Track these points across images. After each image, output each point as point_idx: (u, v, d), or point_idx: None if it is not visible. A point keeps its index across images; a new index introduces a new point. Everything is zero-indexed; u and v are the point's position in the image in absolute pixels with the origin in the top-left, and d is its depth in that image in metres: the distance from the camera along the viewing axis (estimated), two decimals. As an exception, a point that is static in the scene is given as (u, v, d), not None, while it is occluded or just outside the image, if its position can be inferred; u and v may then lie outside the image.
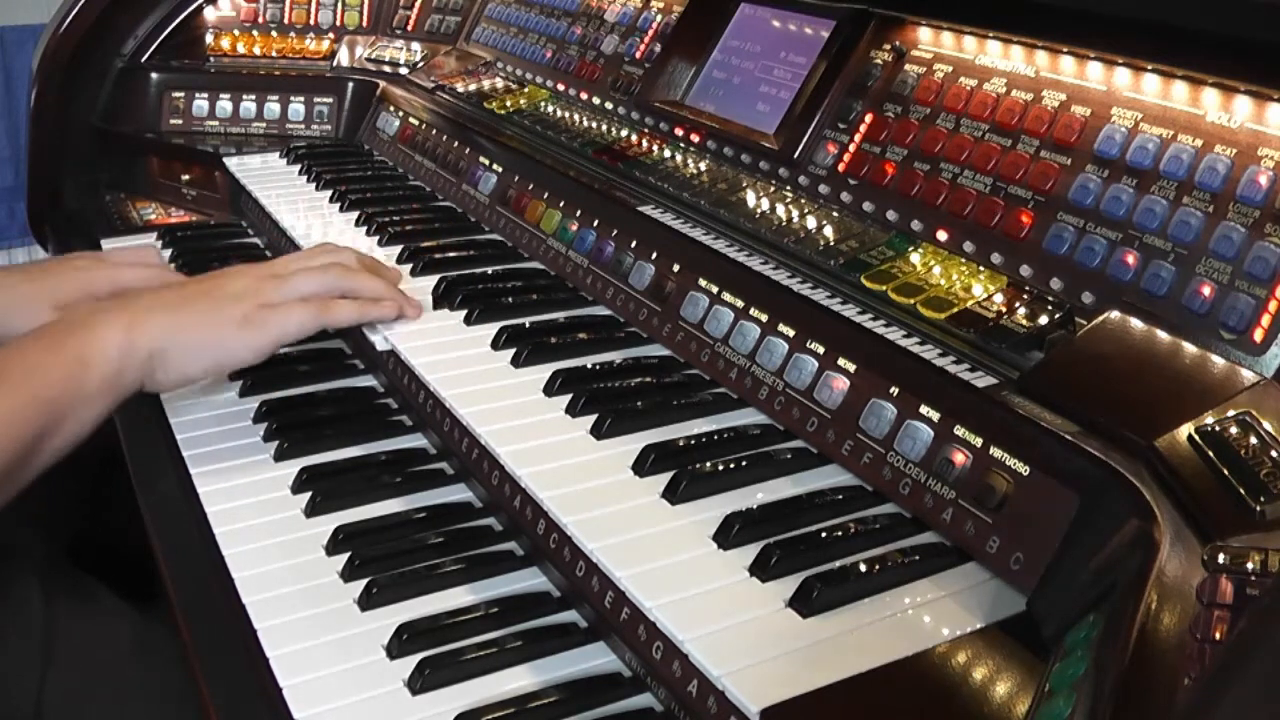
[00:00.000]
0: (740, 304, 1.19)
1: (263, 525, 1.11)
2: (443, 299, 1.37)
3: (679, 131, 1.52)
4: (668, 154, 1.49)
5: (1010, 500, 0.90)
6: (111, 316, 1.15)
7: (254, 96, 2.09)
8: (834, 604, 0.87)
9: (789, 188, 1.34)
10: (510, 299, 1.37)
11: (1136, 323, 0.97)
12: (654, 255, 1.31)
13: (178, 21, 2.13)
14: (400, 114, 1.98)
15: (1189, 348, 0.94)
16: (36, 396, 1.07)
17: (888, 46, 1.31)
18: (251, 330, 1.20)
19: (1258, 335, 0.92)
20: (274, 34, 2.20)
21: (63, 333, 1.14)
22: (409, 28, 2.21)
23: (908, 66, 1.28)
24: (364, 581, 1.01)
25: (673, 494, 1.00)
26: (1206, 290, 0.95)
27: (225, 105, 2.08)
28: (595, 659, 0.96)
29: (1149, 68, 1.06)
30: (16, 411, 1.06)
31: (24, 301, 1.29)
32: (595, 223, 1.42)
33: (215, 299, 1.21)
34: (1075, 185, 1.07)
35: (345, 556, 1.05)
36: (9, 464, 1.05)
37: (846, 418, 1.04)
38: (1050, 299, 1.04)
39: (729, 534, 0.94)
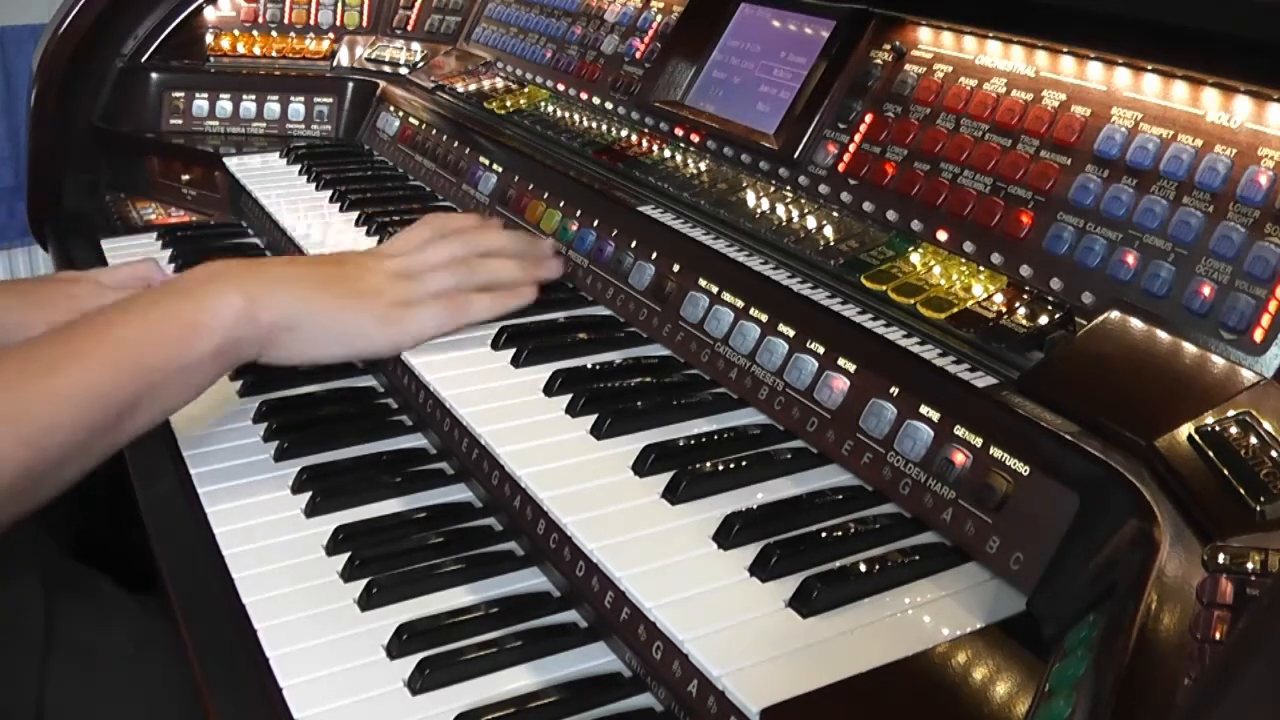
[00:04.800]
0: (740, 304, 1.19)
1: (263, 525, 1.11)
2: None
3: (679, 131, 1.52)
4: (668, 154, 1.49)
5: (1010, 500, 0.90)
6: (229, 283, 1.12)
7: (254, 96, 2.09)
8: (834, 604, 0.87)
9: (789, 188, 1.34)
10: (510, 299, 1.37)
11: (1136, 323, 0.97)
12: (654, 255, 1.31)
13: (178, 22, 2.13)
14: (400, 114, 1.98)
15: (1189, 348, 0.94)
16: (137, 363, 1.05)
17: (888, 46, 1.31)
18: (390, 327, 1.20)
19: (1258, 335, 0.92)
20: (274, 34, 2.20)
21: (174, 296, 1.11)
22: (409, 28, 2.21)
23: (908, 66, 1.28)
24: (364, 581, 1.01)
25: (673, 494, 1.00)
26: (1206, 290, 0.95)
27: (225, 105, 2.08)
28: (595, 659, 0.96)
29: (1149, 68, 1.06)
30: (112, 374, 1.03)
31: (17, 319, 1.28)
32: (595, 223, 1.42)
33: (351, 288, 1.19)
34: (1075, 185, 1.07)
35: (345, 556, 1.05)
36: (99, 427, 1.03)
37: (846, 418, 1.04)
38: (1050, 299, 1.04)
39: (729, 534, 0.94)
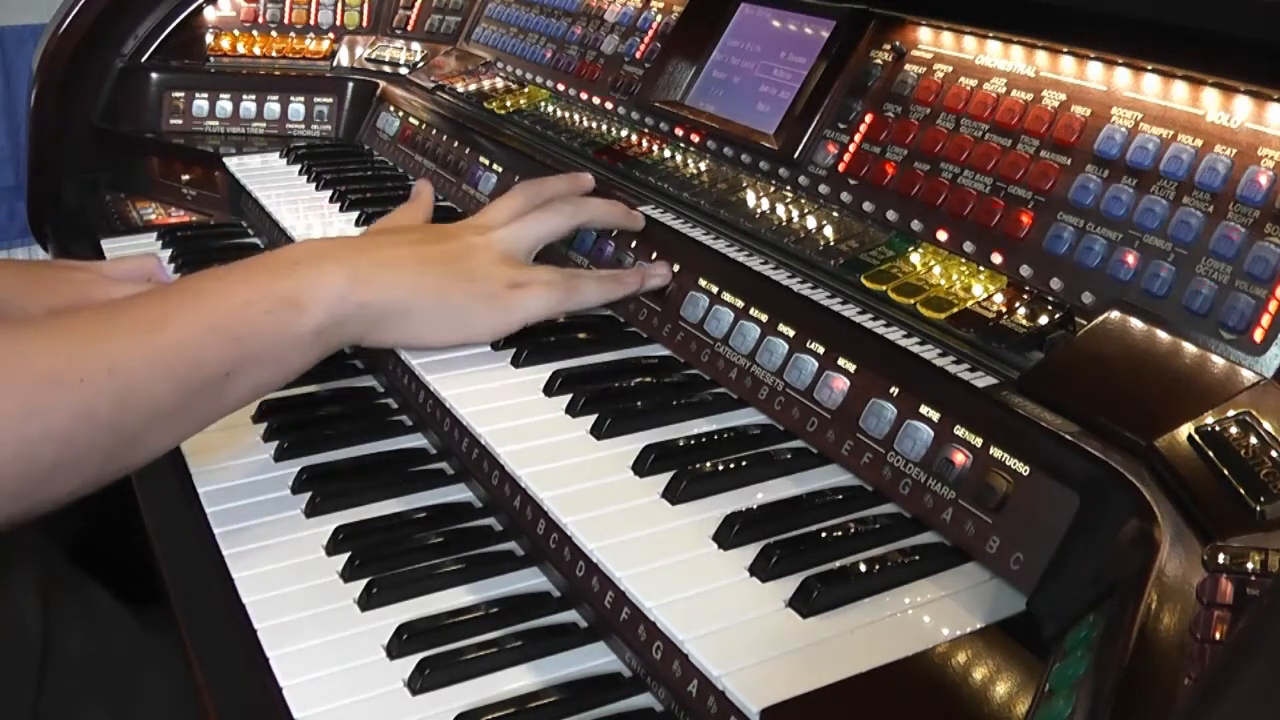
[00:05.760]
0: (740, 304, 1.19)
1: (262, 525, 1.11)
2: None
3: (679, 131, 1.52)
4: (668, 154, 1.49)
5: (1010, 500, 0.90)
6: (335, 260, 1.10)
7: (254, 96, 2.09)
8: (834, 604, 0.87)
9: (789, 188, 1.34)
10: (510, 299, 1.37)
11: (1136, 323, 0.97)
12: (654, 255, 1.31)
13: (178, 22, 2.13)
14: (400, 114, 1.98)
15: (1189, 348, 0.94)
16: (235, 331, 1.01)
17: (888, 46, 1.31)
18: (499, 309, 1.18)
19: (1258, 335, 0.92)
20: (274, 34, 2.20)
21: (273, 271, 1.07)
22: (409, 28, 2.21)
23: (908, 66, 1.28)
24: (364, 581, 1.01)
25: (673, 494, 1.00)
26: (1206, 290, 0.95)
27: (225, 105, 2.08)
28: (595, 659, 0.96)
29: (1149, 68, 1.07)
30: (205, 342, 1.00)
31: (19, 301, 1.28)
32: (595, 223, 1.42)
33: (461, 269, 1.17)
34: (1075, 185, 1.07)
35: (345, 556, 1.05)
36: (182, 398, 0.99)
37: (846, 418, 1.04)
38: (1050, 299, 1.04)
39: (729, 534, 0.94)
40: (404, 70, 2.10)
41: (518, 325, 1.20)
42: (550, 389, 1.17)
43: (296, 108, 2.09)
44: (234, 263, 1.10)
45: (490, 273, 1.19)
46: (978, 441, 0.94)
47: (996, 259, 1.11)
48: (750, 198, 1.34)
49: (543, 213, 1.30)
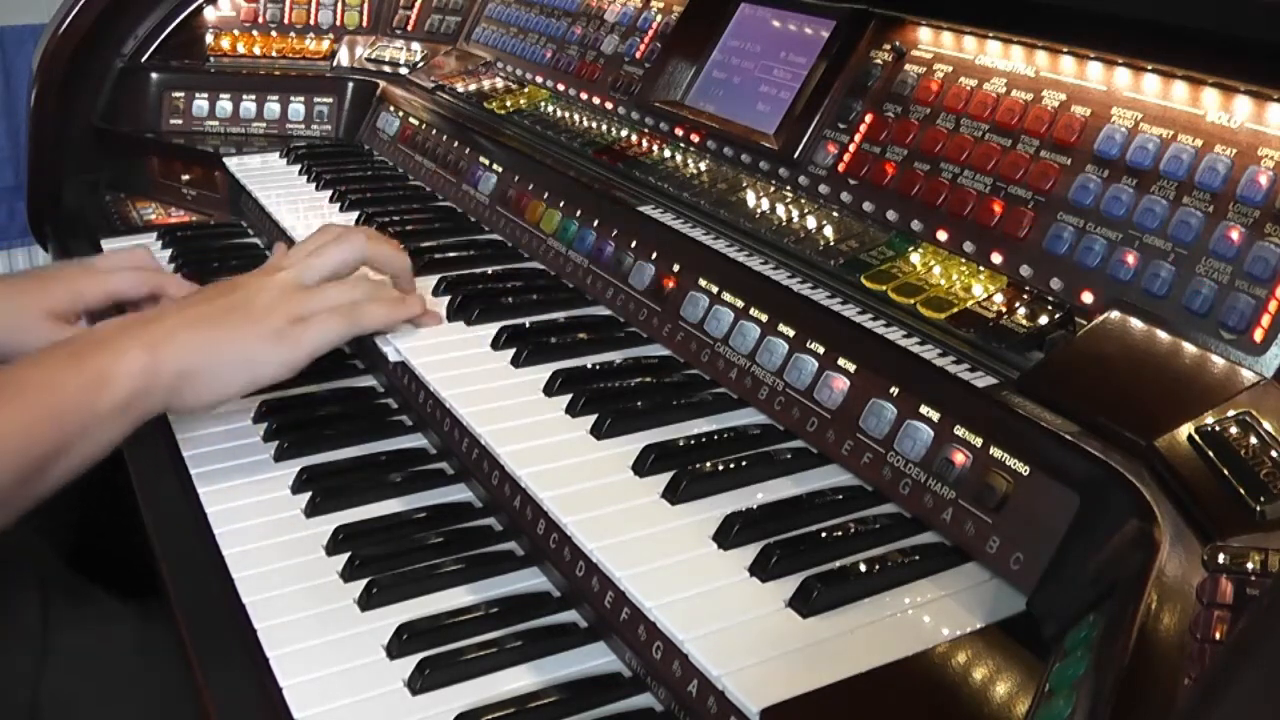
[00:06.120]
0: (740, 304, 1.19)
1: (262, 525, 1.11)
2: (443, 299, 1.37)
3: (679, 131, 1.52)
4: (668, 154, 1.49)
5: (1010, 500, 0.90)
6: (134, 336, 1.13)
7: (254, 96, 2.09)
8: (834, 604, 0.87)
9: (789, 188, 1.34)
10: (510, 299, 1.37)
11: (1136, 323, 0.97)
12: (654, 255, 1.31)
13: (178, 22, 2.13)
14: (400, 114, 1.98)
15: (1189, 348, 0.94)
16: (52, 413, 1.05)
17: (888, 46, 1.31)
18: (285, 345, 1.18)
19: (1258, 335, 0.92)
20: (274, 34, 2.20)
21: (86, 348, 1.11)
22: (409, 28, 2.21)
23: (908, 66, 1.28)
24: (364, 581, 1.01)
25: (673, 494, 1.00)
26: (1206, 290, 0.95)
27: (225, 105, 2.08)
28: (595, 659, 0.96)
29: (1149, 68, 1.06)
30: (30, 426, 1.04)
31: (15, 313, 1.28)
32: (595, 223, 1.42)
33: (244, 314, 1.18)
34: (1075, 185, 1.07)
35: (345, 556, 1.05)
36: (18, 478, 1.03)
37: (846, 418, 1.04)
38: (1050, 299, 1.04)
39: (729, 534, 0.94)
40: (404, 70, 2.10)
41: (305, 360, 1.20)
42: (550, 389, 1.17)
43: (296, 108, 2.09)
44: (51, 346, 1.14)
45: (274, 308, 1.19)
46: (978, 441, 0.94)
47: (996, 259, 1.11)
48: (750, 198, 1.34)
49: (335, 244, 1.28)
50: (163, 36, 2.11)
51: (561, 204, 1.49)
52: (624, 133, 1.58)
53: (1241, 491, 0.78)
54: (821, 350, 1.09)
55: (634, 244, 1.35)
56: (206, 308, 1.20)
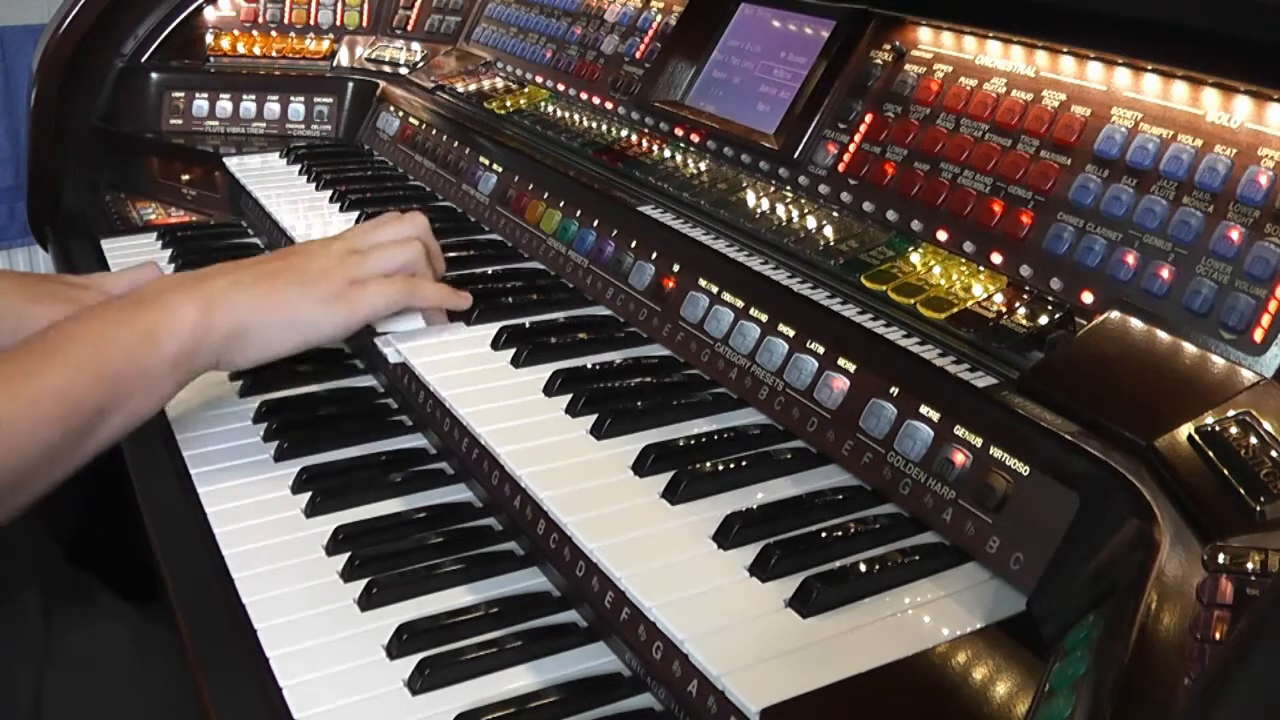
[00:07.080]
0: (740, 304, 1.19)
1: (263, 525, 1.11)
2: (443, 299, 1.37)
3: (679, 131, 1.52)
4: (668, 154, 1.49)
5: (1010, 500, 0.90)
6: (187, 293, 1.13)
7: (254, 96, 2.09)
8: (834, 604, 0.87)
9: (789, 188, 1.34)
10: (510, 299, 1.37)
11: (1136, 323, 0.97)
12: (654, 255, 1.31)
13: (178, 21, 2.13)
14: (400, 114, 1.98)
15: (1189, 348, 0.94)
16: (99, 370, 1.05)
17: (888, 46, 1.31)
18: (341, 307, 1.19)
19: (1258, 335, 0.92)
20: (274, 34, 2.20)
21: (135, 307, 1.11)
22: (409, 28, 2.21)
23: (908, 66, 1.28)
24: (364, 581, 1.01)
25: (673, 494, 1.00)
26: (1206, 290, 0.95)
27: (225, 105, 2.08)
28: (595, 659, 0.96)
29: (1149, 68, 1.06)
30: (79, 382, 1.04)
31: (18, 309, 1.28)
32: (595, 223, 1.42)
33: (301, 276, 1.19)
34: (1075, 185, 1.07)
35: (345, 556, 1.05)
36: (66, 436, 1.03)
37: (846, 418, 1.04)
38: (1050, 299, 1.04)
39: (729, 534, 0.94)
40: (404, 70, 2.10)
41: (361, 322, 1.21)
42: (550, 389, 1.17)
43: (296, 108, 2.09)
44: (101, 303, 1.14)
45: (330, 272, 1.20)
46: (978, 441, 0.94)
47: (996, 259, 1.11)
48: (750, 198, 1.34)
49: (405, 241, 1.28)
50: (163, 36, 2.12)
51: (561, 204, 1.49)
52: (624, 133, 1.58)
53: (1241, 491, 0.78)
54: (821, 350, 1.09)
55: (634, 244, 1.35)
56: (261, 269, 1.20)
